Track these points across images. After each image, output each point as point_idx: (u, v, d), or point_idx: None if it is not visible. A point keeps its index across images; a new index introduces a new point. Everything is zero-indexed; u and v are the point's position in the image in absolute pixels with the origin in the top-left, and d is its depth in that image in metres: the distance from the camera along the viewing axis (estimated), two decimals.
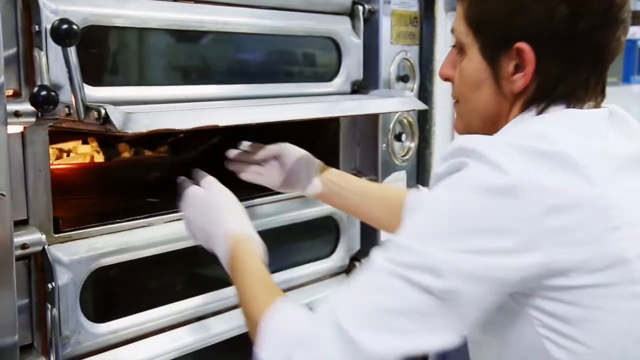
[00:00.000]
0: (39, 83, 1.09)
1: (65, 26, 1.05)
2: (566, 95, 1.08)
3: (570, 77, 1.08)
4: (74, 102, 1.10)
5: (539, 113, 1.09)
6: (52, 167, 1.28)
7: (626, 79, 2.81)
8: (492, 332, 1.07)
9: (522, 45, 1.06)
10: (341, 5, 1.75)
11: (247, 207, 1.39)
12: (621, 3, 1.08)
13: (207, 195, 1.30)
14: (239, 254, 1.19)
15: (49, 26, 1.16)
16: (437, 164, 1.02)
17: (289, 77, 1.73)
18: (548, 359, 1.00)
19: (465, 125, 1.20)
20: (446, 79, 1.23)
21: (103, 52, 1.32)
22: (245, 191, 1.57)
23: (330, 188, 1.59)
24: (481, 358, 1.17)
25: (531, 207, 0.94)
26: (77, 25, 1.08)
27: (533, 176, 0.95)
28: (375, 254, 1.01)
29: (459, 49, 1.17)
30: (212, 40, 1.54)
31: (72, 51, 1.08)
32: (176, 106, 1.25)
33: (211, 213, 1.27)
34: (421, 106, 1.76)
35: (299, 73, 1.76)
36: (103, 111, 1.08)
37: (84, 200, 1.47)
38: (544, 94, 1.09)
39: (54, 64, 1.18)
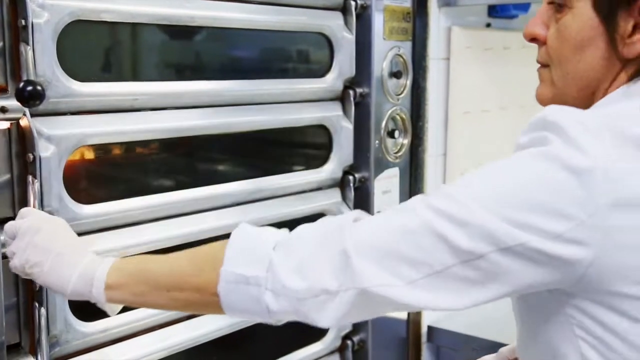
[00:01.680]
0: (24, 78, 1.07)
1: (29, 88, 1.03)
2: None
3: None
4: None
5: None
6: None
7: None
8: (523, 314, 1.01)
9: None
10: (333, 0, 1.73)
11: None
12: None
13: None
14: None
15: (35, 20, 1.15)
16: (520, 134, 0.93)
17: (280, 74, 1.71)
18: (578, 355, 0.91)
19: (557, 93, 1.03)
20: (532, 39, 1.06)
21: (90, 47, 1.30)
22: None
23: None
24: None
25: (600, 198, 0.83)
26: (41, 85, 1.07)
27: (614, 164, 0.83)
28: (419, 198, 0.93)
29: (559, 4, 1.00)
30: (203, 35, 1.53)
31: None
32: None
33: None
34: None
35: (290, 69, 1.75)
36: None
37: None
38: None
39: (41, 59, 1.16)
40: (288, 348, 1.75)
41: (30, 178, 1.18)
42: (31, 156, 1.18)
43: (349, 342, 1.87)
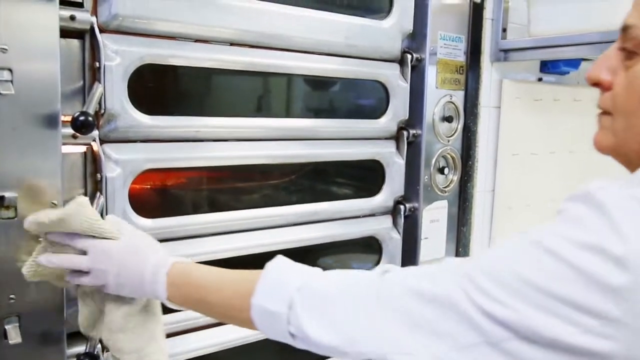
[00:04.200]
0: (84, 109, 1.03)
1: (82, 118, 0.99)
2: None
3: None
4: None
5: None
6: None
7: None
8: None
9: None
10: (391, 54, 1.63)
11: None
12: None
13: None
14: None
15: (107, 63, 1.12)
16: (561, 203, 0.72)
17: (342, 114, 1.62)
18: None
19: (618, 144, 0.81)
20: (595, 84, 0.84)
21: (157, 86, 1.26)
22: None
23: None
24: None
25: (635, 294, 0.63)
26: (92, 117, 1.02)
27: None
28: (456, 264, 0.77)
29: (631, 51, 0.79)
30: (269, 79, 1.46)
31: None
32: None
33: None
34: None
35: (350, 111, 1.65)
36: None
37: None
38: None
39: (110, 95, 1.13)
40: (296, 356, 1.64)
41: (97, 194, 1.14)
42: (99, 176, 1.14)
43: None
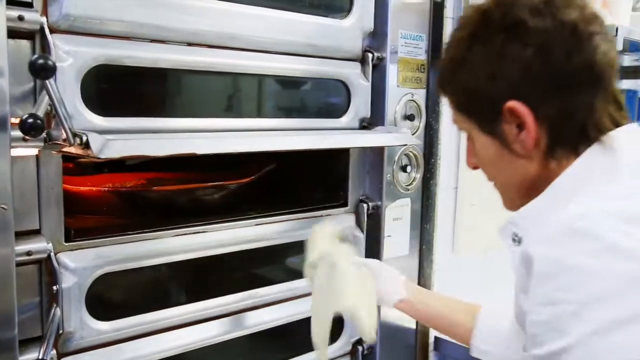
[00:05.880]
0: (33, 112, 1.00)
1: (41, 61, 0.95)
2: (583, 128, 0.88)
3: (575, 109, 0.87)
4: (62, 130, 1.01)
5: (572, 154, 0.89)
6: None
7: None
8: None
9: (511, 104, 0.87)
10: (352, 53, 1.61)
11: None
12: (588, 18, 0.87)
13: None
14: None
15: (59, 64, 1.09)
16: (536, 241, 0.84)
17: (302, 113, 1.61)
18: None
19: (511, 201, 1.01)
20: (474, 168, 1.06)
21: (112, 87, 1.23)
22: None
23: (414, 296, 1.37)
24: None
25: None
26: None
27: None
28: None
29: (467, 137, 1.02)
30: (229, 79, 1.44)
31: (51, 83, 0.98)
32: (161, 135, 1.14)
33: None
34: (413, 141, 1.61)
35: (311, 110, 1.64)
36: (85, 138, 0.98)
37: (100, 217, 1.37)
38: (559, 137, 0.89)
39: (62, 97, 1.09)
40: (301, 349, 1.63)
41: None
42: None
43: (359, 347, 1.73)
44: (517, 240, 0.97)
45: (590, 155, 0.88)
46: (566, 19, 0.86)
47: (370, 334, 1.21)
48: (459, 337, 1.38)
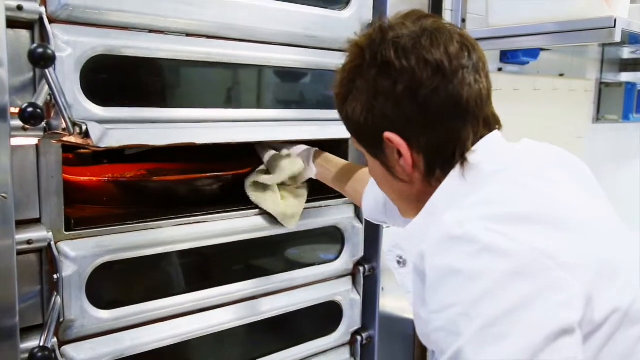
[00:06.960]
0: (32, 101, 1.00)
1: (40, 50, 0.95)
2: (454, 153, 0.94)
3: (444, 139, 0.93)
4: (62, 119, 1.01)
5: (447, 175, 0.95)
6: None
7: (625, 117, 2.55)
8: None
9: (387, 135, 0.94)
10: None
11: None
12: (454, 54, 0.91)
13: None
14: None
15: (58, 54, 1.09)
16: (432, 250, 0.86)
17: (301, 104, 1.61)
18: None
19: (405, 212, 1.08)
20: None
21: (111, 77, 1.23)
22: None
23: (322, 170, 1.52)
24: None
25: None
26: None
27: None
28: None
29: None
30: (233, 71, 1.44)
31: (51, 73, 0.98)
32: (160, 125, 1.14)
33: None
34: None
35: (310, 101, 1.64)
36: (84, 127, 0.98)
37: (100, 207, 1.37)
38: (433, 161, 0.95)
39: (63, 86, 1.09)
40: (302, 339, 1.64)
41: None
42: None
43: (358, 337, 1.74)
44: (401, 262, 1.06)
45: (458, 172, 0.95)
46: (430, 58, 0.90)
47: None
48: (357, 201, 1.49)
